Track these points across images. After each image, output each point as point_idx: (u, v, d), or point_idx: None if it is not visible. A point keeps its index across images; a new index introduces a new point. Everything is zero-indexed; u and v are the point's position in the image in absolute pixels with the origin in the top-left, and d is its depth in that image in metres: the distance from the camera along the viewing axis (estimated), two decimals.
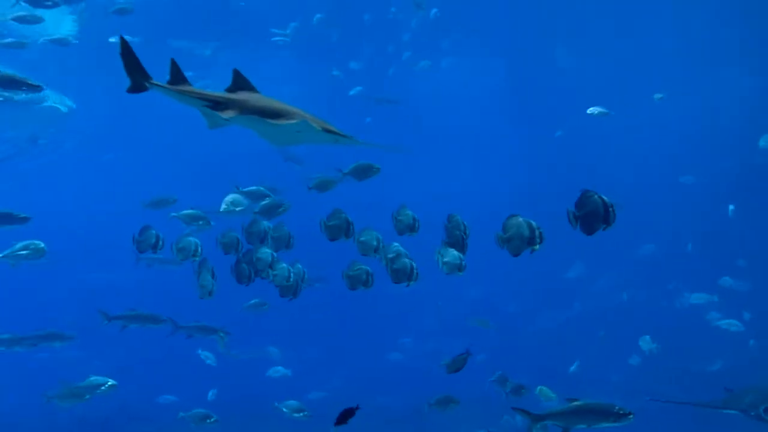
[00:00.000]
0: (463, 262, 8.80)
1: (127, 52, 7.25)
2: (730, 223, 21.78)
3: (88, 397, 10.82)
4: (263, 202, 10.61)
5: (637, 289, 23.60)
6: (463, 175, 33.31)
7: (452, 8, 22.57)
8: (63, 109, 24.96)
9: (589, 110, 15.54)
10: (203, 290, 10.32)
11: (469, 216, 8.94)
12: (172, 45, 23.74)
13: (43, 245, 10.73)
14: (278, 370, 18.49)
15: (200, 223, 11.55)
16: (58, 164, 30.96)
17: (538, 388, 13.84)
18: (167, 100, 7.75)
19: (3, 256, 10.59)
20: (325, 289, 17.92)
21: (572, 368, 18.22)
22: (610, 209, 6.70)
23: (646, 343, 17.71)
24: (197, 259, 10.20)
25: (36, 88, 9.18)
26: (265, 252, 10.01)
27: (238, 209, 11.11)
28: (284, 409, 12.96)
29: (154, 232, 10.53)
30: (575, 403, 7.20)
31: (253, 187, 11.31)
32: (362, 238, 9.20)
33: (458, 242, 8.86)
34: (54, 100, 24.48)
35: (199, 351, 17.64)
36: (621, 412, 7.01)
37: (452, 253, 8.74)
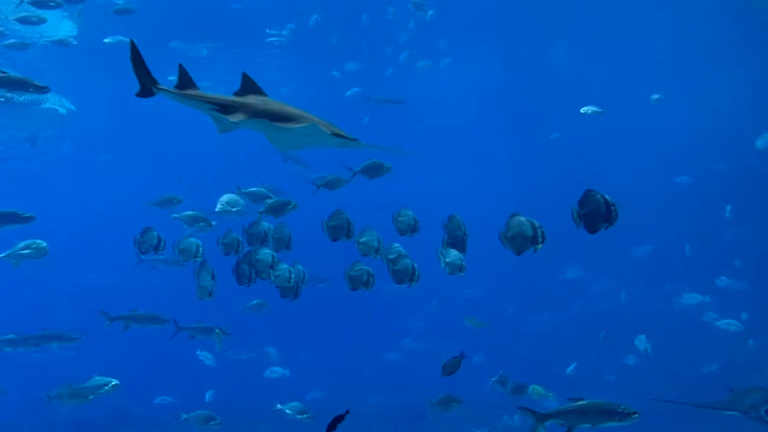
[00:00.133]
0: (464, 263, 8.85)
1: (136, 56, 7.27)
2: (727, 224, 21.83)
3: (91, 397, 10.80)
4: (271, 201, 10.62)
5: (635, 290, 23.63)
6: (458, 175, 33.34)
7: (450, 9, 22.61)
8: (62, 110, 24.95)
9: (583, 109, 15.57)
10: (202, 291, 10.34)
11: (464, 217, 9.00)
12: (169, 46, 23.71)
13: (45, 244, 10.74)
14: (275, 371, 18.46)
15: (201, 224, 11.56)
16: (56, 165, 30.91)
17: (531, 386, 13.86)
18: (165, 101, 7.76)
19: (5, 256, 10.58)
20: (322, 289, 17.96)
21: (570, 369, 18.25)
22: (612, 208, 6.76)
23: (641, 342, 17.74)
24: (199, 259, 10.22)
25: (42, 89, 9.20)
26: (266, 253, 10.03)
27: (234, 209, 11.12)
28: (287, 411, 12.97)
29: (155, 233, 10.55)
30: (580, 402, 7.22)
31: (254, 188, 11.34)
32: (363, 239, 9.23)
33: (459, 242, 8.91)
34: (53, 101, 24.47)
35: (198, 352, 17.63)
36: (626, 411, 7.04)
37: (453, 254, 8.79)
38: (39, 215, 10.98)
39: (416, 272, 9.08)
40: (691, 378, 18.82)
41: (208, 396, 17.90)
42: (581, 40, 26.34)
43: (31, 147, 26.71)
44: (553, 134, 26.83)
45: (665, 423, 14.09)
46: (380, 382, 20.36)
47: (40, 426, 17.51)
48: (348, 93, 24.08)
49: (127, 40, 19.43)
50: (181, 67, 7.48)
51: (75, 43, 20.06)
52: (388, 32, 24.53)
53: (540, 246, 7.17)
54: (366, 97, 23.99)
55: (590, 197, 6.88)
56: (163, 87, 7.41)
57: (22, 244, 10.68)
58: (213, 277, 10.35)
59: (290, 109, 7.38)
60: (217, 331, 13.50)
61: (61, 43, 19.73)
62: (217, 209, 11.26)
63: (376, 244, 9.27)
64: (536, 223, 7.23)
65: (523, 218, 7.26)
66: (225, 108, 7.41)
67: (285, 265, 9.92)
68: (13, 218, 10.51)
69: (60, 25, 21.28)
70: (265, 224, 10.28)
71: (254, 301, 14.93)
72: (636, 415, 7.00)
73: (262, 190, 11.29)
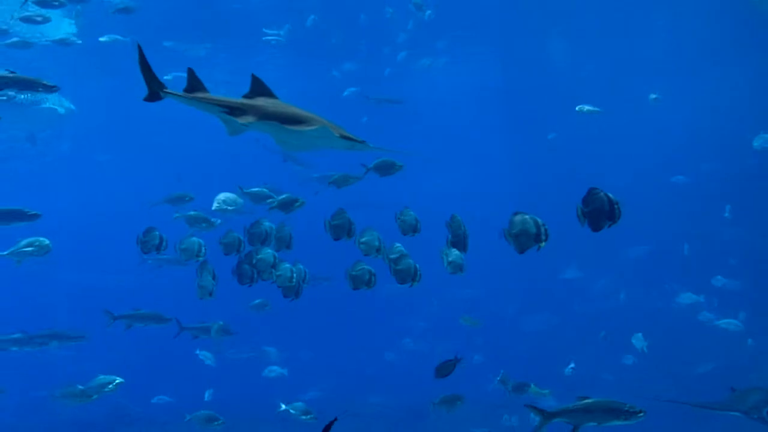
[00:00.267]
0: (464, 262, 8.91)
1: (143, 62, 7.27)
2: (725, 224, 21.88)
3: (95, 396, 10.82)
4: (280, 197, 10.64)
5: (634, 290, 23.66)
6: (456, 175, 33.36)
7: (449, 9, 22.63)
8: (61, 110, 24.95)
9: (578, 107, 15.60)
10: (203, 291, 10.37)
11: (463, 217, 9.05)
12: (166, 46, 23.71)
13: (47, 242, 10.70)
14: (274, 370, 18.44)
15: (203, 225, 11.58)
16: (55, 165, 30.92)
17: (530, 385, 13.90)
18: (165, 101, 7.75)
19: (8, 253, 10.56)
20: (322, 289, 17.96)
21: (568, 369, 18.27)
22: (616, 206, 6.81)
23: (638, 340, 17.78)
24: (201, 259, 10.25)
25: (52, 89, 9.21)
26: (267, 253, 10.06)
27: (230, 208, 11.14)
28: (292, 411, 13.00)
29: (157, 233, 10.58)
30: (586, 401, 7.26)
31: (256, 189, 11.36)
32: (364, 239, 9.27)
33: (460, 241, 8.96)
34: (53, 101, 24.47)
35: (198, 351, 17.62)
36: (631, 410, 7.09)
37: (455, 253, 8.84)
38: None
39: (418, 272, 9.13)
40: (689, 377, 18.87)
41: (207, 395, 17.89)
42: (580, 40, 26.37)
43: (31, 146, 26.69)
44: (550, 135, 26.85)
45: (665, 423, 14.11)
46: (380, 381, 20.38)
47: (40, 426, 17.50)
48: (345, 93, 24.09)
49: (123, 38, 19.47)
50: (190, 70, 7.47)
51: (79, 42, 20.02)
52: (387, 32, 24.54)
53: (543, 244, 7.21)
54: (365, 97, 24.01)
55: (594, 195, 6.94)
56: (171, 91, 7.41)
57: (24, 242, 10.64)
58: (214, 277, 10.38)
59: (300, 112, 7.39)
60: (220, 323, 13.47)
61: (64, 43, 19.69)
62: (213, 207, 11.29)
63: (377, 243, 9.32)
64: (539, 221, 7.28)
65: (527, 216, 7.30)
66: (234, 110, 7.40)
67: (287, 265, 9.96)
68: (18, 216, 10.51)
69: (60, 25, 21.27)
70: (267, 224, 10.30)
71: (257, 301, 14.93)
72: (641, 414, 7.06)
73: (264, 190, 11.30)
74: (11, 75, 9.13)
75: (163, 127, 27.48)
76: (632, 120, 27.85)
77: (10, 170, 28.52)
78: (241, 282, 10.24)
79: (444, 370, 11.40)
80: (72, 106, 25.39)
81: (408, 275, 8.99)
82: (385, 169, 10.51)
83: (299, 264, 10.22)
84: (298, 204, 10.56)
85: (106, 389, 10.83)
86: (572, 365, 18.31)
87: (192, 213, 11.83)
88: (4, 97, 8.76)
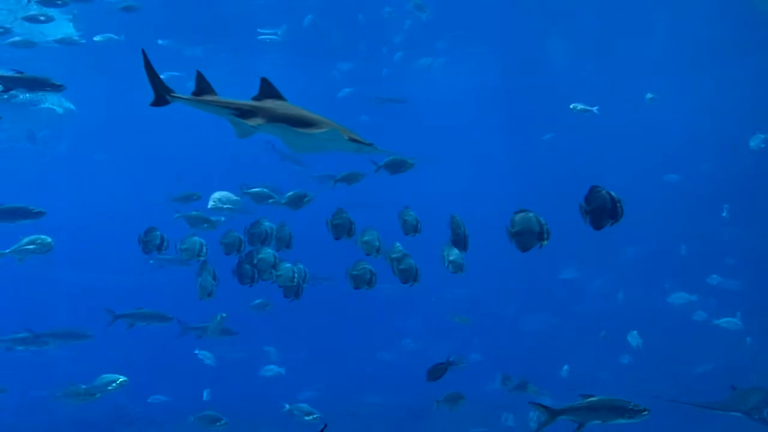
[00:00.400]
0: (464, 262, 8.96)
1: (149, 66, 7.23)
2: (723, 223, 21.91)
3: (99, 395, 10.81)
4: (289, 194, 10.65)
5: (632, 290, 23.69)
6: (454, 175, 33.36)
7: (447, 9, 22.65)
8: (59, 110, 24.93)
9: (572, 105, 15.63)
10: (203, 291, 10.39)
11: (461, 216, 9.08)
12: (161, 45, 23.68)
13: (50, 240, 10.58)
14: (270, 369, 18.43)
15: (205, 226, 11.60)
16: (54, 165, 30.91)
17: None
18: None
19: (10, 251, 10.50)
20: (320, 289, 17.97)
21: (564, 371, 18.33)
22: (618, 205, 6.81)
23: (634, 338, 17.84)
24: (202, 258, 10.26)
25: (59, 88, 9.21)
26: (268, 253, 10.08)
27: (225, 206, 11.15)
28: (295, 413, 13.03)
29: (158, 232, 10.58)
30: (591, 399, 7.29)
31: (257, 189, 11.38)
32: (365, 238, 9.31)
33: (461, 241, 8.99)
34: (52, 101, 24.46)
35: (197, 351, 17.62)
36: (636, 408, 7.13)
37: (455, 253, 8.88)
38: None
39: (418, 272, 9.17)
40: (688, 377, 18.90)
41: (205, 395, 17.89)
42: (579, 40, 26.40)
43: (31, 145, 26.66)
44: (547, 135, 26.80)
45: (665, 423, 14.14)
46: (380, 381, 20.38)
47: (40, 426, 17.48)
48: (340, 94, 24.09)
49: (117, 37, 19.44)
50: (199, 73, 7.42)
51: (84, 41, 20.00)
52: (387, 32, 24.57)
53: (546, 242, 7.22)
54: (369, 97, 24.04)
55: (596, 194, 6.91)
56: (178, 95, 7.37)
57: (26, 240, 10.52)
58: (214, 278, 10.39)
59: (309, 114, 7.37)
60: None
61: (67, 42, 19.66)
62: (209, 206, 11.30)
63: (377, 243, 9.35)
64: (541, 219, 7.29)
65: (530, 214, 7.31)
66: (244, 113, 7.37)
67: (288, 265, 9.98)
68: (23, 213, 10.46)
69: (59, 25, 21.25)
70: (267, 224, 10.32)
71: (257, 301, 14.94)
72: (645, 413, 7.09)
73: (265, 190, 11.32)
74: (19, 75, 9.13)
75: (163, 126, 27.42)
76: (631, 120, 27.88)
77: (10, 170, 28.48)
78: (242, 282, 10.26)
79: (435, 373, 11.42)
80: (71, 106, 25.37)
81: (410, 275, 9.04)
82: (396, 166, 10.53)
83: (299, 264, 10.24)
84: (307, 200, 10.57)
85: (110, 388, 10.80)
86: (566, 367, 18.37)
87: (193, 213, 11.84)
88: (6, 96, 8.69)
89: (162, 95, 7.32)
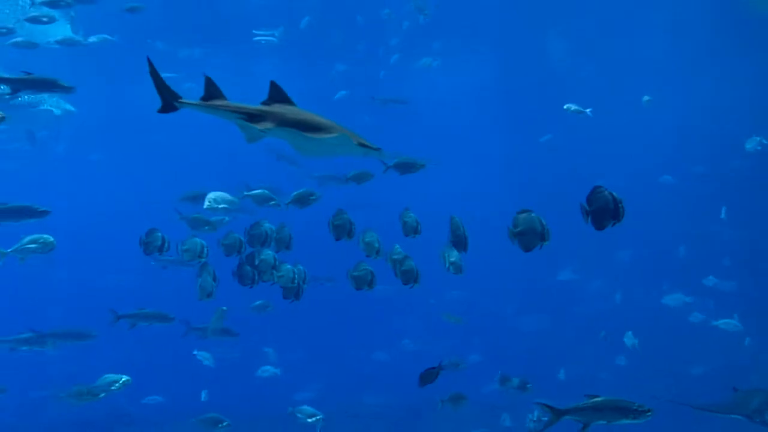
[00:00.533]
0: (462, 263, 9.00)
1: (155, 73, 7.20)
2: (721, 225, 21.98)
3: (103, 395, 10.80)
4: (295, 192, 10.66)
5: (630, 291, 23.73)
6: (452, 175, 33.35)
7: (447, 9, 22.69)
8: (57, 111, 24.90)
9: (566, 106, 15.66)
10: (202, 292, 10.41)
11: (461, 217, 9.12)
12: (158, 47, 23.68)
13: (52, 239, 10.51)
14: (267, 370, 18.43)
15: (206, 228, 11.61)
16: (53, 166, 30.88)
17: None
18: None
19: (12, 251, 10.45)
20: (319, 290, 17.98)
21: (561, 374, 18.39)
22: (620, 205, 6.83)
23: (629, 338, 17.91)
24: (203, 259, 10.28)
25: (69, 90, 9.21)
26: (268, 254, 10.10)
27: (220, 206, 11.16)
28: (299, 415, 13.03)
29: (160, 234, 10.59)
30: (596, 399, 7.34)
31: (258, 190, 11.39)
32: (367, 239, 9.34)
33: (461, 242, 9.03)
34: (50, 103, 24.43)
35: (195, 351, 17.60)
36: (640, 409, 7.18)
37: (455, 254, 8.92)
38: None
39: (418, 273, 9.22)
40: (688, 378, 18.96)
41: (203, 396, 17.89)
42: (578, 41, 26.45)
43: (30, 144, 26.60)
44: (544, 137, 26.81)
45: (665, 423, 14.17)
46: (379, 381, 20.40)
47: (39, 426, 17.50)
48: (336, 96, 24.11)
49: (111, 38, 19.38)
50: (208, 78, 7.37)
51: (88, 41, 19.96)
52: (386, 33, 24.61)
53: (546, 242, 7.25)
54: (371, 98, 24.05)
55: (598, 194, 6.92)
56: (186, 101, 7.35)
57: (28, 239, 10.46)
58: (215, 279, 10.41)
59: (319, 119, 7.35)
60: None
61: (68, 43, 19.64)
62: (205, 206, 11.30)
63: (377, 245, 9.40)
64: (542, 219, 7.32)
65: (532, 214, 7.34)
66: (253, 117, 7.33)
67: (288, 266, 10.00)
68: (28, 212, 10.40)
69: (57, 26, 21.25)
70: (267, 225, 10.34)
71: (258, 302, 14.96)
72: (649, 413, 7.14)
73: (266, 192, 11.33)
74: (29, 77, 9.13)
75: (162, 126, 27.39)
76: (629, 121, 27.91)
77: (9, 171, 28.46)
78: (243, 283, 10.29)
79: (427, 377, 11.44)
80: (71, 108, 25.34)
81: (411, 276, 9.08)
82: (406, 167, 10.57)
83: (299, 265, 10.26)
84: (314, 198, 10.58)
85: (113, 388, 10.80)
86: (563, 371, 18.43)
87: (195, 215, 11.85)
88: (7, 97, 8.68)
89: (170, 102, 7.30)
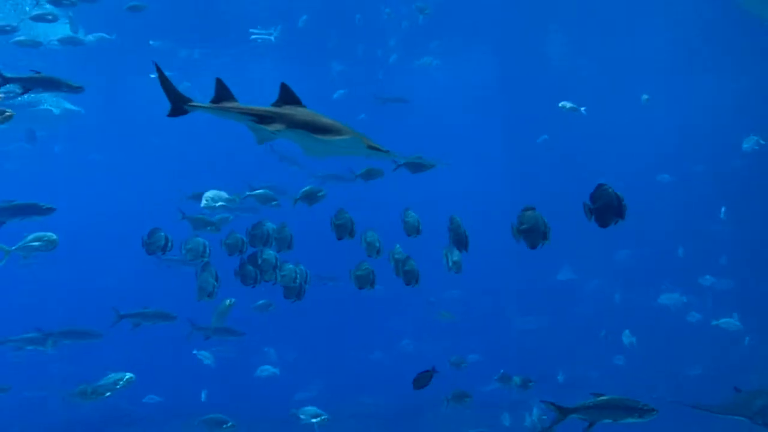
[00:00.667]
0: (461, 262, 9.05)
1: (163, 78, 7.19)
2: (720, 224, 22.00)
3: (108, 393, 10.80)
4: (303, 189, 10.67)
5: (629, 291, 23.75)
6: (451, 176, 33.31)
7: (446, 9, 22.71)
8: (56, 111, 24.88)
9: (561, 104, 15.67)
10: (202, 292, 10.42)
11: (461, 217, 9.15)
12: (156, 46, 23.67)
13: (55, 237, 10.50)
14: (266, 369, 18.44)
15: (209, 229, 11.62)
16: (52, 166, 30.86)
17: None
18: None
19: (16, 248, 10.40)
20: (318, 290, 17.96)
21: (559, 376, 18.42)
22: (623, 203, 6.85)
23: (626, 337, 17.94)
24: (206, 259, 10.29)
25: (77, 89, 9.19)
26: (270, 254, 10.12)
27: (218, 204, 11.18)
28: (301, 416, 13.03)
29: (162, 233, 10.60)
30: (601, 398, 7.37)
31: (261, 190, 11.41)
32: (369, 239, 9.36)
33: (462, 242, 9.07)
34: (50, 103, 24.41)
35: (195, 351, 17.61)
36: (646, 408, 7.22)
37: (457, 254, 8.96)
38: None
39: (419, 274, 9.25)
40: (688, 378, 18.97)
41: (203, 396, 17.88)
42: (578, 40, 26.48)
43: (30, 144, 26.57)
44: (540, 138, 26.80)
45: (665, 423, 14.21)
46: (377, 382, 20.41)
47: (39, 426, 17.48)
48: (335, 96, 24.12)
49: (109, 36, 19.37)
50: (218, 80, 7.35)
51: (90, 40, 19.96)
52: (386, 32, 24.63)
53: (547, 241, 7.29)
54: (374, 97, 24.07)
55: (602, 191, 6.95)
56: (196, 104, 7.33)
57: (31, 237, 10.46)
58: (216, 279, 10.42)
59: (329, 121, 7.34)
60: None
61: (71, 41, 19.64)
62: (202, 205, 11.30)
63: (377, 244, 9.43)
64: (544, 218, 7.36)
65: (537, 212, 7.37)
66: (263, 119, 7.33)
67: (290, 266, 10.02)
68: (33, 210, 10.35)
69: (56, 26, 21.26)
70: (269, 225, 10.36)
71: (260, 302, 14.97)
72: (655, 412, 7.18)
73: (269, 192, 11.36)
74: (37, 76, 9.11)
75: (164, 125, 27.39)
76: (629, 120, 27.96)
77: (9, 171, 28.46)
78: (245, 283, 10.29)
79: (421, 381, 11.46)
80: (71, 107, 25.33)
81: (413, 276, 9.11)
82: (417, 166, 10.60)
83: (300, 265, 10.28)
84: (321, 194, 10.59)
85: (118, 386, 10.79)
86: (561, 373, 18.45)
87: (198, 216, 11.86)
88: (12, 95, 8.64)
89: (179, 105, 7.27)
